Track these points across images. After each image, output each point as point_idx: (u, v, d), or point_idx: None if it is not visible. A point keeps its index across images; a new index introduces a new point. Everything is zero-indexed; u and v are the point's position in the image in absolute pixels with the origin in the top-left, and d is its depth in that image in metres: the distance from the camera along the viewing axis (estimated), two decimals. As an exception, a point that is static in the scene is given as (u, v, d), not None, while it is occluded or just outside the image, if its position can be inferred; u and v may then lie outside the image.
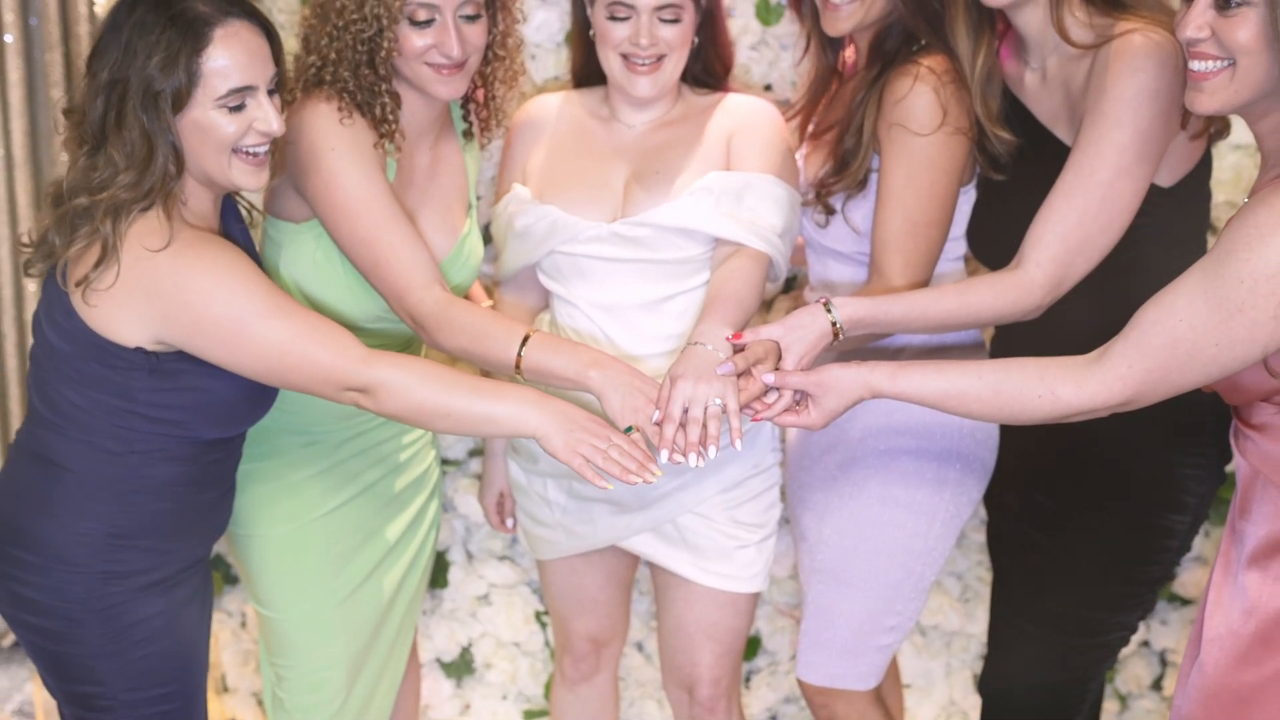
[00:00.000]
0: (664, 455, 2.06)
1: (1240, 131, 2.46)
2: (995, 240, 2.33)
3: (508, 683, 3.25)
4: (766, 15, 2.94)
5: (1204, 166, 2.26)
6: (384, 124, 2.27)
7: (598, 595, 2.62)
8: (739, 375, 2.09)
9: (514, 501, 2.66)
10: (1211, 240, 2.28)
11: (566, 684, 2.74)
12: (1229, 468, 2.18)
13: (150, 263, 1.99)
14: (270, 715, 2.53)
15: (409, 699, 2.75)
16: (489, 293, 2.69)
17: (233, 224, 2.21)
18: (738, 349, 2.13)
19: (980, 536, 2.98)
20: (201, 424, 2.12)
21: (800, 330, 2.13)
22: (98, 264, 1.99)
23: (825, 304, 2.15)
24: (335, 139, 2.22)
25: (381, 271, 2.22)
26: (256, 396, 2.17)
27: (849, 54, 2.44)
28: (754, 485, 2.45)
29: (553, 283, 2.42)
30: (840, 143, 2.34)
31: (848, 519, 2.40)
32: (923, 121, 2.23)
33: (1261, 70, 1.78)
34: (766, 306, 2.93)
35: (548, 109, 2.49)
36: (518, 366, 2.15)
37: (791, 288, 2.95)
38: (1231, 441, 2.01)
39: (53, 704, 3.09)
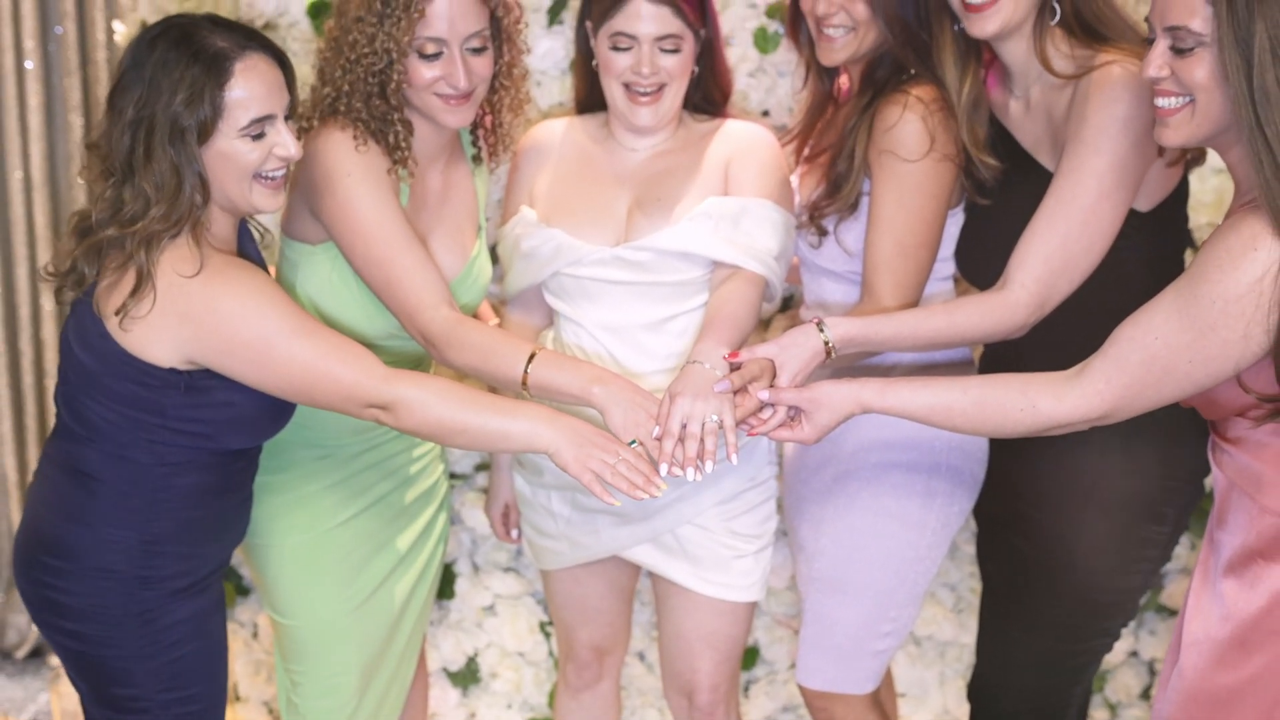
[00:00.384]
0: (663, 469, 2.12)
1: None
2: (983, 261, 2.39)
3: (512, 692, 3.29)
4: (764, 44, 3.00)
5: (1181, 191, 2.33)
6: (397, 150, 2.33)
7: (600, 604, 2.66)
8: (735, 392, 2.15)
9: (519, 513, 2.71)
10: (1190, 260, 2.36)
11: (570, 691, 2.78)
12: (1207, 480, 2.25)
13: (183, 288, 2.06)
14: (285, 720, 2.59)
15: (417, 706, 2.79)
16: (496, 311, 2.75)
17: (248, 244, 2.28)
18: (734, 367, 2.18)
19: (972, 548, 3.02)
20: (230, 436, 2.19)
21: (794, 349, 2.19)
22: (134, 292, 2.05)
23: (818, 323, 2.21)
24: (350, 165, 2.29)
25: (394, 291, 2.29)
26: (282, 407, 2.23)
27: (843, 81, 2.51)
28: (751, 498, 2.50)
29: (558, 302, 2.48)
30: (833, 166, 2.39)
31: (843, 530, 2.46)
32: (911, 148, 2.29)
33: (1219, 106, 1.85)
34: (764, 325, 2.98)
35: (552, 134, 2.54)
36: (524, 383, 2.21)
37: (789, 306, 3.00)
38: (1209, 455, 2.07)
39: (72, 714, 3.16)
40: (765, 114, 3.02)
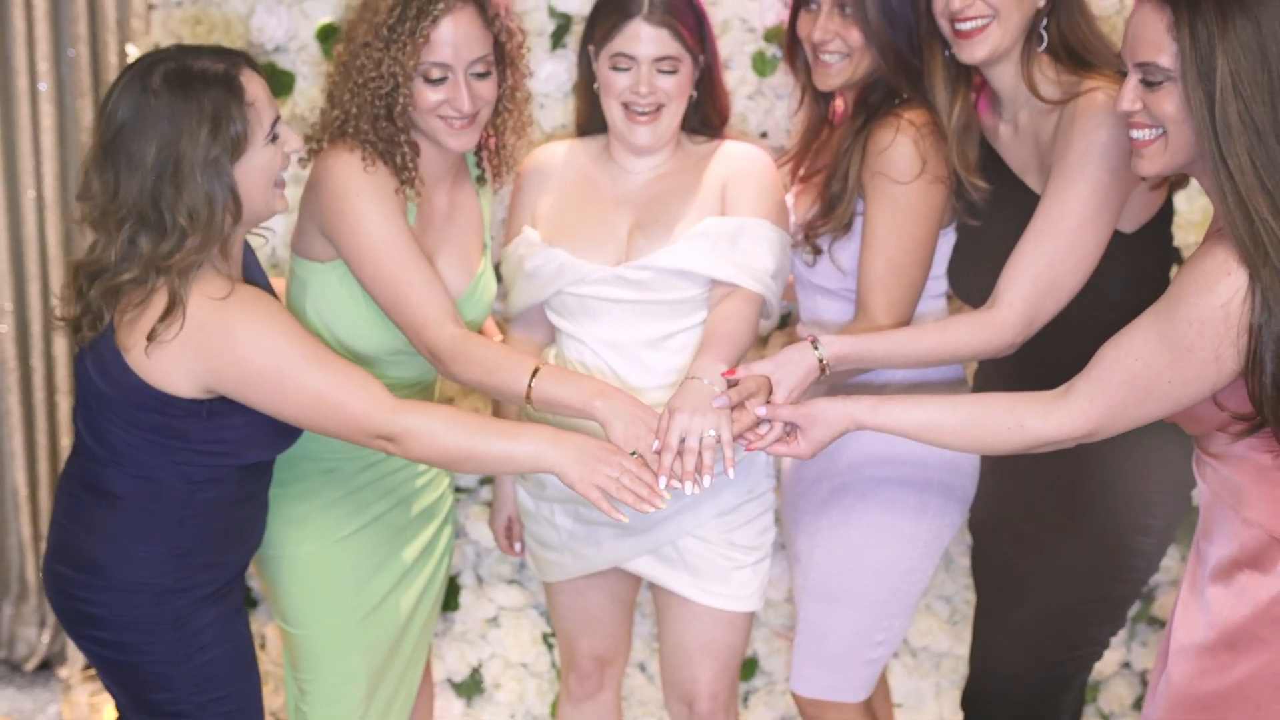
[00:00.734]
0: (662, 482, 2.16)
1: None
2: (974, 279, 2.44)
3: (515, 702, 3.32)
4: (762, 67, 3.06)
5: (1165, 212, 2.38)
6: (404, 171, 2.37)
7: (602, 615, 2.69)
8: (733, 408, 2.19)
9: (522, 526, 2.74)
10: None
11: (572, 701, 2.80)
12: (1195, 493, 2.30)
13: (205, 317, 2.10)
14: (293, 728, 2.62)
15: (422, 716, 2.83)
16: (500, 328, 2.79)
17: (248, 256, 2.33)
18: (732, 383, 2.23)
19: (967, 561, 3.07)
20: (251, 451, 2.23)
21: (790, 366, 2.24)
22: (164, 316, 2.09)
23: (813, 341, 2.26)
24: (359, 185, 2.34)
25: (402, 308, 2.33)
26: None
27: (838, 105, 2.56)
28: (749, 510, 2.54)
29: (561, 320, 2.52)
30: (827, 187, 2.44)
31: (837, 542, 2.50)
32: (903, 170, 2.35)
33: (1188, 137, 1.89)
34: (762, 342, 3.03)
35: (555, 157, 2.58)
36: (528, 397, 2.25)
37: (786, 323, 3.05)
38: (1194, 469, 2.11)
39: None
40: (763, 135, 3.07)
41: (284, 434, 2.27)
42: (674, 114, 2.46)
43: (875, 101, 2.43)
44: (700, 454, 2.16)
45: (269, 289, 2.33)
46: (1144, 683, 3.20)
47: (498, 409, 2.73)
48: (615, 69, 2.44)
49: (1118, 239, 2.28)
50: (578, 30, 3.06)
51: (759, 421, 2.21)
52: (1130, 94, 1.94)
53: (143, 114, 2.09)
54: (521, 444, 2.18)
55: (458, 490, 3.13)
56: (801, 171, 2.59)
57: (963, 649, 3.19)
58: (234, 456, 2.22)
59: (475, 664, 3.33)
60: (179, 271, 2.09)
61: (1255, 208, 1.80)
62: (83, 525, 2.25)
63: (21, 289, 3.51)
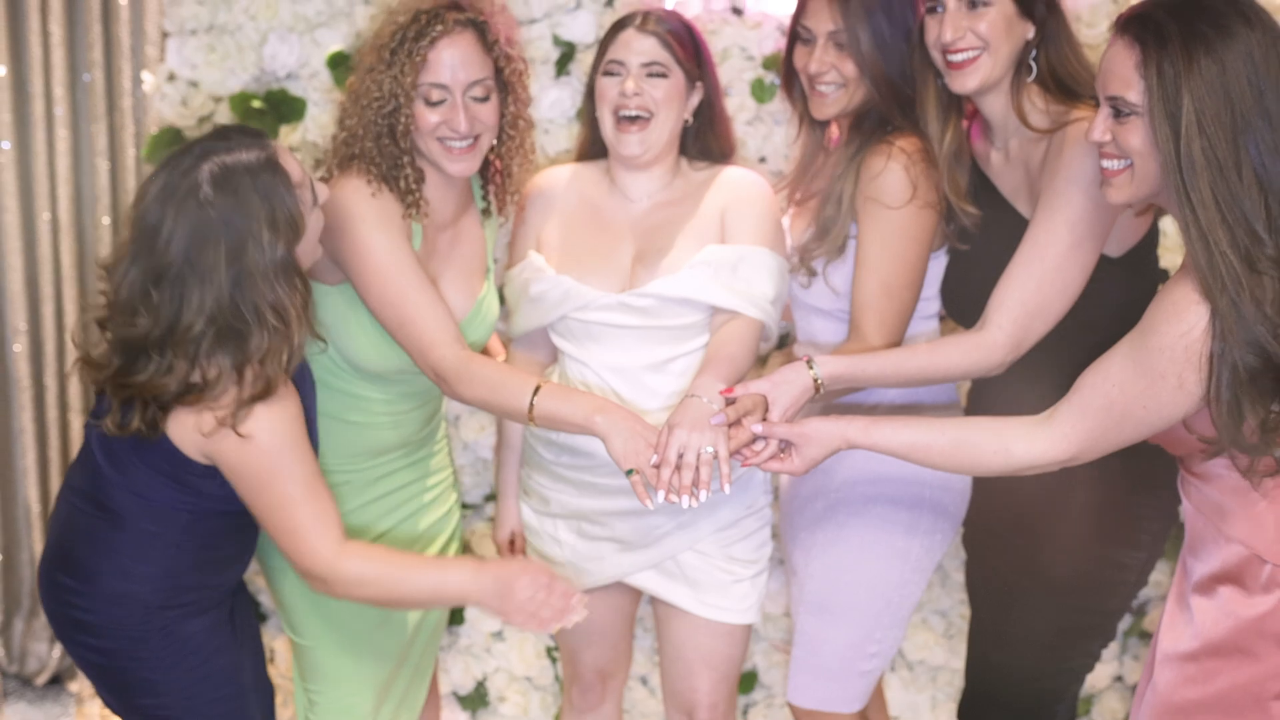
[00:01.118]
0: (660, 496, 2.21)
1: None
2: (967, 300, 2.49)
3: (520, 715, 3.35)
4: (761, 93, 3.11)
5: (1150, 238, 2.43)
6: (408, 195, 2.43)
7: (604, 628, 2.72)
8: (730, 425, 2.24)
9: (525, 540, 2.77)
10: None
11: (575, 713, 2.83)
12: (1181, 509, 2.32)
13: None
14: (302, 738, 2.66)
15: None
16: (504, 345, 2.81)
17: None
18: (729, 402, 2.28)
19: (961, 576, 3.09)
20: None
21: (785, 385, 2.29)
22: (256, 399, 2.14)
23: (808, 361, 2.31)
24: (365, 210, 2.40)
25: (408, 330, 2.39)
26: None
27: (833, 131, 2.62)
28: (747, 525, 2.58)
29: (565, 343, 2.56)
30: (822, 211, 2.50)
31: (832, 556, 2.55)
32: (895, 196, 2.40)
33: (1154, 170, 1.95)
34: (761, 361, 3.06)
35: (558, 181, 2.63)
36: (530, 415, 2.31)
37: (785, 343, 3.09)
38: (1179, 487, 2.17)
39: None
40: (762, 160, 3.12)
41: None
42: (663, 126, 2.49)
43: (868, 129, 2.49)
44: (697, 469, 2.21)
45: None
46: (1136, 696, 3.24)
47: (502, 430, 2.78)
48: (607, 74, 2.50)
49: (1105, 263, 2.33)
50: (581, 58, 3.12)
51: (755, 438, 2.26)
52: (1101, 125, 2.00)
53: (202, 226, 2.10)
54: (449, 575, 2.27)
55: (463, 507, 3.18)
56: (798, 196, 2.64)
57: (958, 662, 3.23)
58: (235, 501, 2.27)
59: (480, 677, 3.36)
60: (273, 360, 2.15)
61: (1215, 240, 1.86)
62: (82, 536, 2.30)
63: (36, 309, 3.53)
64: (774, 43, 3.07)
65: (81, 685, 3.60)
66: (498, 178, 2.59)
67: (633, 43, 2.47)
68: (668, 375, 2.51)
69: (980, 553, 2.65)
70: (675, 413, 2.27)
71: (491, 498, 3.24)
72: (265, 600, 3.36)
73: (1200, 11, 1.89)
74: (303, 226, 2.17)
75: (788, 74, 2.59)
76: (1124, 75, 1.94)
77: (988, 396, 2.56)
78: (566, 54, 3.13)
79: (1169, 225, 2.88)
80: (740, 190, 2.54)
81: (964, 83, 2.36)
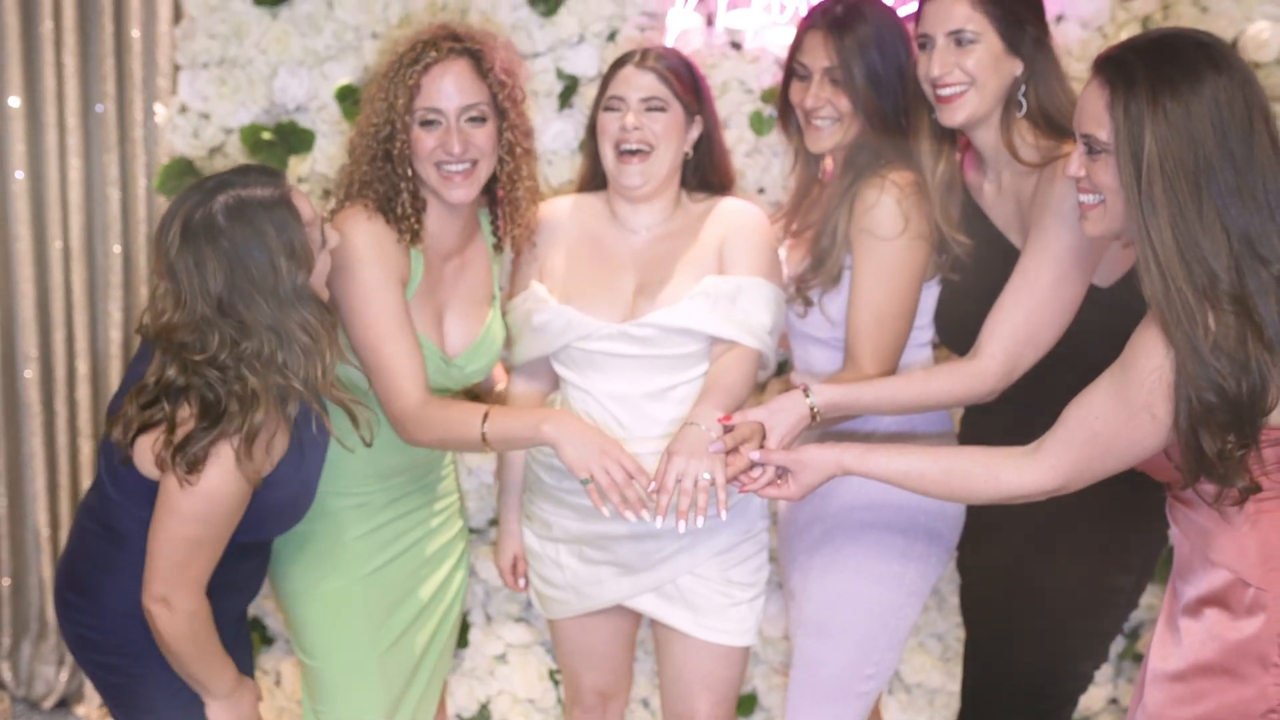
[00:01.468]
0: (659, 521, 2.26)
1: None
2: (961, 329, 2.53)
3: (523, 737, 3.37)
4: (760, 126, 3.15)
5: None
6: (404, 220, 2.47)
7: (605, 651, 2.77)
8: (728, 452, 2.29)
9: (526, 564, 2.80)
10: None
11: None
12: (1171, 533, 2.35)
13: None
14: (311, 760, 2.69)
15: None
16: (507, 371, 2.83)
17: None
18: (728, 429, 2.32)
19: (957, 600, 3.09)
20: (242, 535, 2.33)
21: (782, 413, 2.34)
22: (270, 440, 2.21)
23: (804, 390, 2.35)
24: (364, 250, 2.44)
25: (379, 374, 2.45)
26: (297, 505, 2.40)
27: (828, 163, 2.67)
28: (745, 549, 2.62)
29: (567, 372, 2.59)
30: (817, 243, 2.54)
31: (828, 580, 2.58)
32: (887, 228, 2.45)
33: (1121, 206, 1.99)
34: (761, 388, 3.11)
35: (560, 212, 2.67)
36: (484, 441, 2.38)
37: (784, 370, 3.13)
38: (1168, 512, 2.20)
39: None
40: (761, 191, 3.16)
41: (286, 519, 2.39)
42: (663, 158, 2.54)
43: (862, 163, 2.53)
44: (695, 495, 2.26)
45: None
46: (1131, 719, 3.26)
47: (504, 456, 2.80)
48: (608, 109, 2.56)
49: (1094, 293, 2.37)
50: (584, 91, 3.17)
51: (752, 465, 2.29)
52: (1076, 161, 2.06)
53: (229, 260, 2.17)
54: (229, 670, 2.37)
55: (469, 532, 3.19)
56: (794, 227, 2.69)
57: (955, 685, 3.25)
58: (237, 533, 2.31)
59: (484, 700, 3.38)
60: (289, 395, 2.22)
61: (1172, 277, 1.90)
62: (89, 556, 2.37)
63: (47, 336, 3.58)
64: (772, 76, 3.13)
65: (88, 709, 3.63)
66: (505, 209, 2.62)
67: (632, 79, 2.53)
68: (668, 403, 2.54)
69: (974, 576, 2.68)
70: (674, 440, 2.32)
71: (494, 522, 3.27)
72: (273, 624, 3.38)
73: (1171, 55, 1.94)
74: (313, 262, 2.22)
75: (784, 108, 2.64)
76: (1095, 114, 1.99)
77: (980, 423, 2.60)
78: (570, 87, 3.19)
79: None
80: (737, 221, 2.59)
81: (952, 116, 2.41)
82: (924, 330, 2.60)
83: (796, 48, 2.58)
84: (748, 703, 3.35)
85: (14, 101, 3.47)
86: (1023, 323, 2.33)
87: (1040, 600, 2.50)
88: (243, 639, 2.52)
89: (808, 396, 2.36)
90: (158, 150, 3.39)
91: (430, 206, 2.53)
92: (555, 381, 2.68)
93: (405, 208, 2.48)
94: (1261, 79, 2.79)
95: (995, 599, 2.59)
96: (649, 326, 2.51)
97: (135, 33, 3.39)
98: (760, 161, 3.17)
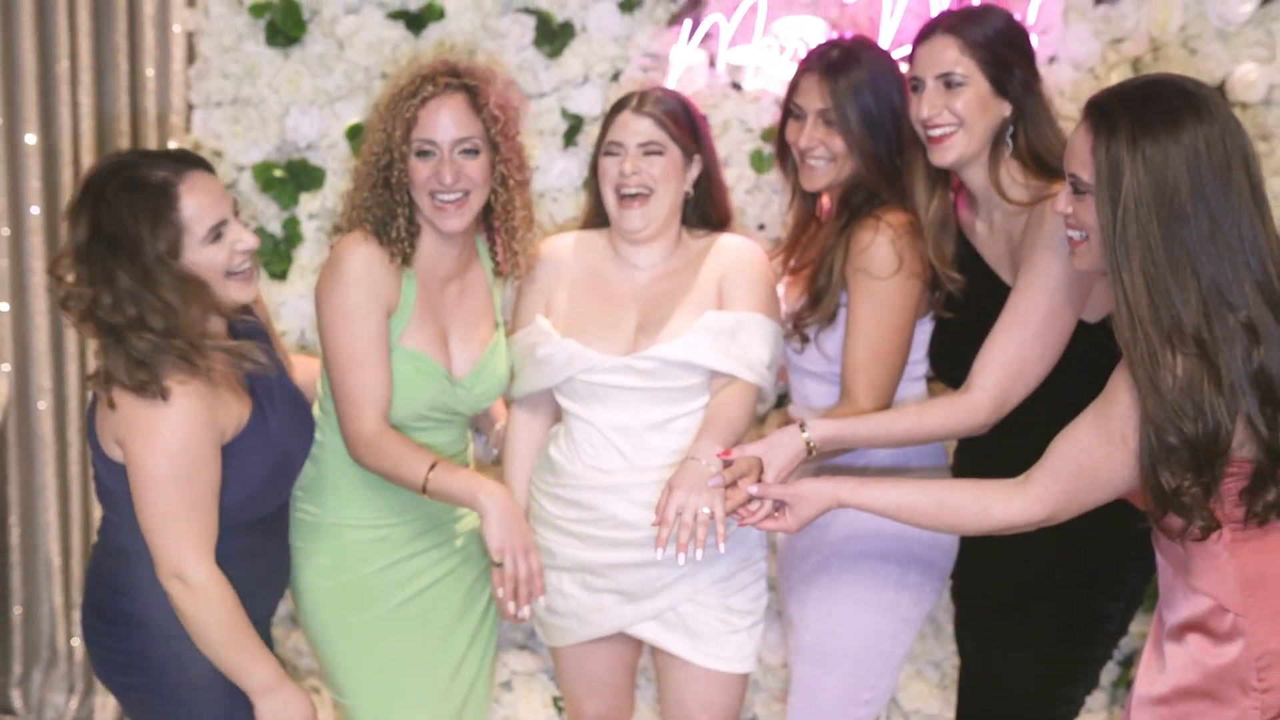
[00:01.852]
0: (660, 553, 2.31)
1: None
2: (954, 363, 2.57)
3: (526, 763, 3.39)
4: (760, 164, 3.21)
5: (1126, 304, 2.53)
6: (397, 244, 2.53)
7: (606, 678, 2.79)
8: (727, 486, 2.34)
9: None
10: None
11: None
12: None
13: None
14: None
15: None
16: (507, 405, 2.86)
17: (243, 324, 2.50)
18: (727, 464, 2.37)
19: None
20: (238, 510, 2.38)
21: (779, 448, 2.38)
22: (139, 390, 2.26)
23: (800, 424, 2.40)
24: (353, 273, 2.50)
25: (342, 394, 2.51)
26: (281, 478, 2.46)
27: (824, 202, 2.72)
28: (744, 578, 2.65)
29: (571, 403, 2.64)
30: (814, 281, 2.60)
31: (825, 607, 2.63)
32: (882, 267, 2.50)
33: (1100, 245, 2.04)
34: (760, 421, 3.15)
35: (564, 248, 2.72)
36: (425, 488, 2.45)
37: (783, 403, 3.17)
38: (1153, 541, 2.23)
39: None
40: (761, 227, 3.21)
41: (270, 494, 2.45)
42: (663, 201, 2.59)
43: (857, 203, 2.59)
44: (694, 529, 2.31)
45: (267, 342, 2.50)
46: (1126, 746, 3.28)
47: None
48: (607, 154, 2.61)
49: (1083, 328, 2.42)
50: (589, 129, 3.23)
51: (750, 499, 2.34)
52: (1064, 199, 2.11)
53: (109, 222, 2.26)
54: (259, 665, 2.38)
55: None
56: (792, 263, 2.74)
57: (951, 712, 3.19)
58: (227, 515, 2.36)
59: (489, 727, 3.41)
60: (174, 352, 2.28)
61: (1139, 317, 1.96)
62: (102, 581, 2.44)
63: (60, 368, 3.62)
64: (772, 116, 3.18)
65: (98, 736, 3.65)
66: (501, 237, 2.66)
67: (629, 124, 2.59)
68: (669, 434, 2.59)
69: (968, 604, 2.71)
70: (675, 475, 2.37)
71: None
72: (308, 661, 3.39)
73: (1155, 101, 2.00)
74: (177, 251, 2.28)
75: (781, 148, 2.70)
76: (1081, 156, 2.05)
77: (973, 455, 2.65)
78: (574, 126, 3.24)
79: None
80: (736, 258, 2.64)
81: (942, 156, 2.47)
82: (918, 365, 2.65)
83: (793, 89, 2.65)
84: (748, 729, 3.39)
85: (30, 139, 3.51)
86: (1014, 356, 2.38)
87: (1030, 627, 2.54)
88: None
89: (804, 431, 2.40)
90: (171, 187, 3.43)
91: (426, 233, 2.59)
92: (556, 414, 2.72)
93: (400, 231, 2.53)
94: (1249, 119, 2.86)
95: (986, 626, 2.63)
96: (651, 359, 2.56)
97: (150, 72, 3.43)
98: (760, 198, 3.22)
